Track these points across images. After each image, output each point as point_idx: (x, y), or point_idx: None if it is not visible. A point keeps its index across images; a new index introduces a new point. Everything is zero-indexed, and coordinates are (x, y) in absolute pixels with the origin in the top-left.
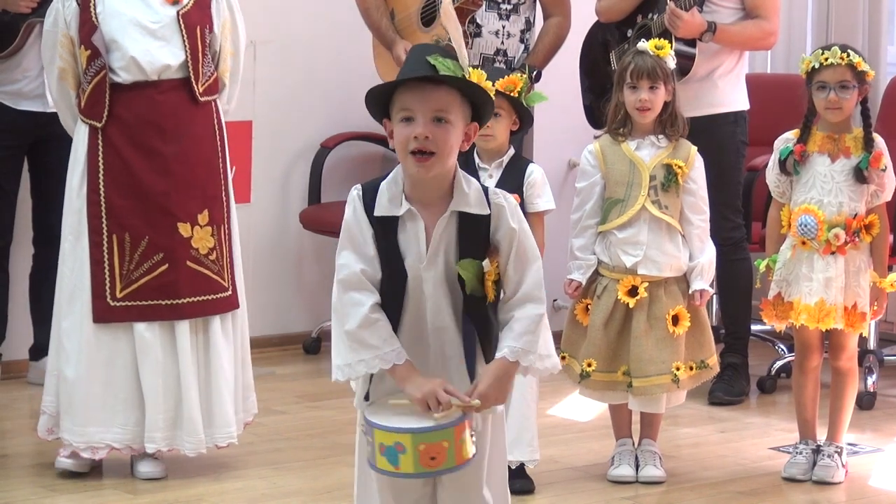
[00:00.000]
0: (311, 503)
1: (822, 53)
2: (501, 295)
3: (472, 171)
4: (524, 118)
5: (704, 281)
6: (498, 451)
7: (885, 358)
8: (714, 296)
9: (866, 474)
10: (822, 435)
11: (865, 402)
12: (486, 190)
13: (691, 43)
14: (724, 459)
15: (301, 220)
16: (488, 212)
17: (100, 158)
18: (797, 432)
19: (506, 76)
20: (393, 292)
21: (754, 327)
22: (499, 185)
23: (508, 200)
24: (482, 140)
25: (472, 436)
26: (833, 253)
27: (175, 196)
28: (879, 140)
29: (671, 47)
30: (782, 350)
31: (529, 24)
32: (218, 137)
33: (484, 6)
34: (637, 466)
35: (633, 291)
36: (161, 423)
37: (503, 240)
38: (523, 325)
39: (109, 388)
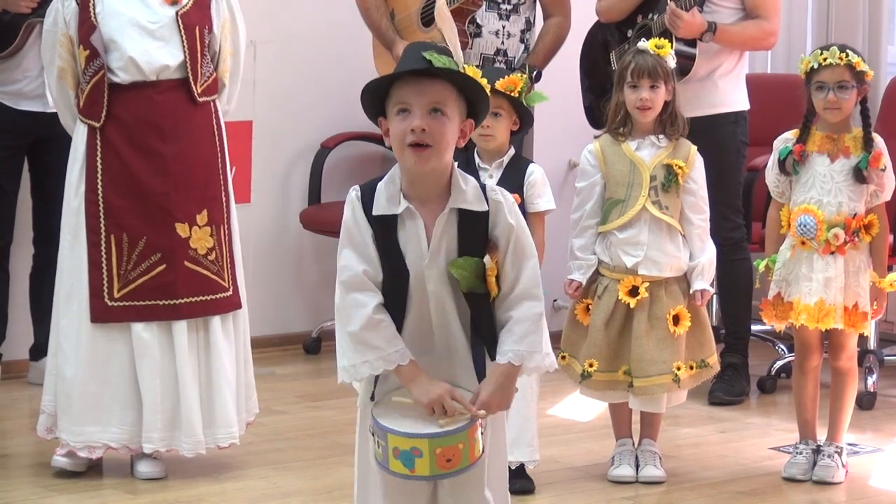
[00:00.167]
0: (312, 503)
1: (821, 54)
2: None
3: (473, 171)
4: (524, 118)
5: (705, 281)
6: (498, 451)
7: (886, 358)
8: (714, 296)
9: (866, 474)
10: (822, 435)
11: (866, 402)
12: (483, 187)
13: (691, 43)
14: (724, 459)
15: (301, 220)
16: (486, 208)
17: (98, 158)
18: (797, 432)
19: (506, 76)
20: (395, 292)
21: (754, 327)
22: (499, 185)
23: (506, 197)
24: (482, 140)
25: (482, 433)
26: (832, 253)
27: (173, 196)
28: (879, 140)
29: (671, 47)
30: (782, 350)
31: (529, 24)
32: (217, 138)
33: (484, 6)
34: (637, 466)
35: (633, 291)
36: (159, 424)
37: (501, 236)
38: (524, 327)
39: (107, 387)
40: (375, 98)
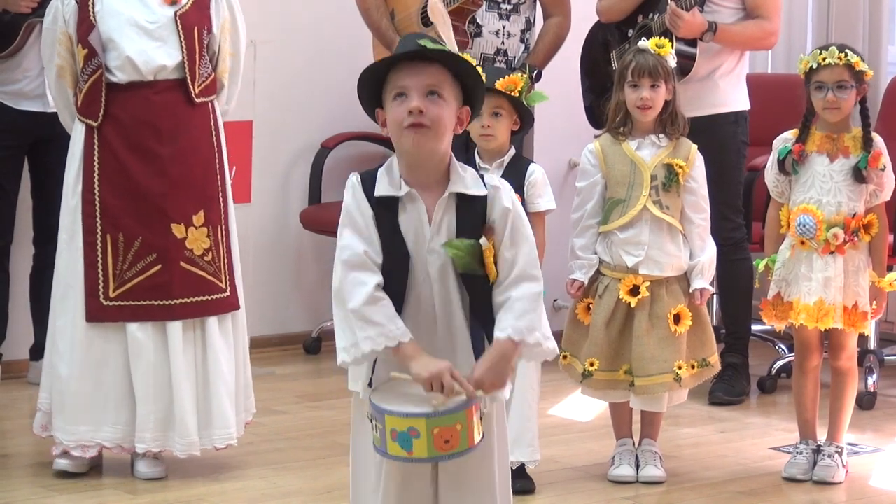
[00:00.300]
0: (312, 503)
1: (820, 53)
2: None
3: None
4: (525, 118)
5: (705, 280)
6: (500, 452)
7: (886, 358)
8: (714, 296)
9: (867, 474)
10: (822, 435)
11: (866, 402)
12: (481, 176)
13: (692, 43)
14: (724, 459)
15: (301, 219)
16: (485, 192)
17: (95, 158)
18: (797, 432)
19: (506, 76)
20: (396, 275)
21: (755, 327)
22: None
23: (504, 184)
24: (483, 140)
25: (480, 418)
26: (832, 252)
27: (170, 196)
28: (878, 139)
29: (672, 46)
30: (783, 350)
31: (530, 24)
32: (215, 138)
33: (484, 6)
34: (637, 466)
35: (634, 291)
36: (151, 424)
37: (498, 219)
38: (523, 305)
39: (101, 387)
40: (372, 88)
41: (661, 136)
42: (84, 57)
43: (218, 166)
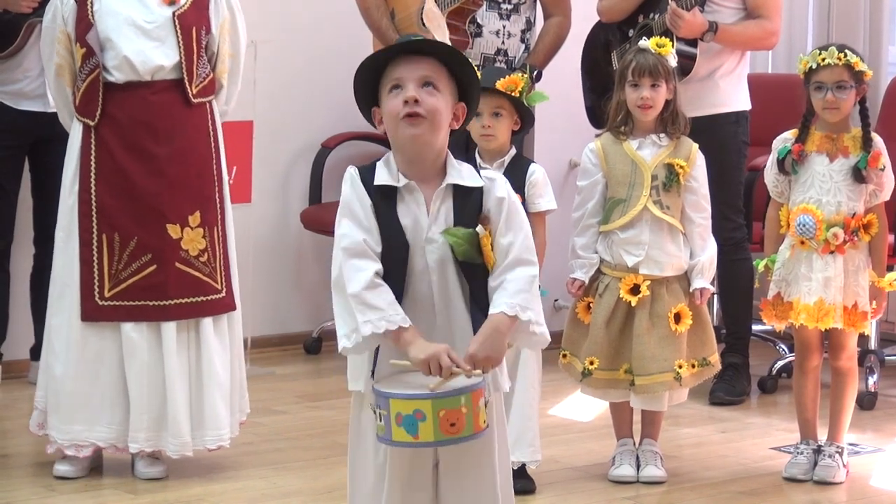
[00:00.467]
0: (312, 503)
1: (820, 54)
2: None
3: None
4: (525, 118)
5: (705, 279)
6: (501, 451)
7: (886, 358)
8: (715, 295)
9: (867, 474)
10: (822, 435)
11: (866, 402)
12: (478, 171)
13: (692, 43)
14: (725, 459)
15: (302, 219)
16: (481, 184)
17: (92, 157)
18: (798, 432)
19: (507, 76)
20: (395, 265)
21: (755, 327)
22: None
23: (499, 176)
24: (484, 140)
25: (485, 404)
26: (832, 252)
27: (165, 197)
28: (878, 140)
29: (672, 46)
30: (783, 350)
31: (530, 24)
32: (212, 139)
33: (484, 6)
34: (638, 466)
35: (635, 290)
36: (145, 424)
37: (493, 208)
38: (518, 284)
39: (95, 386)
40: (368, 86)
41: (662, 135)
42: (82, 56)
43: (215, 167)
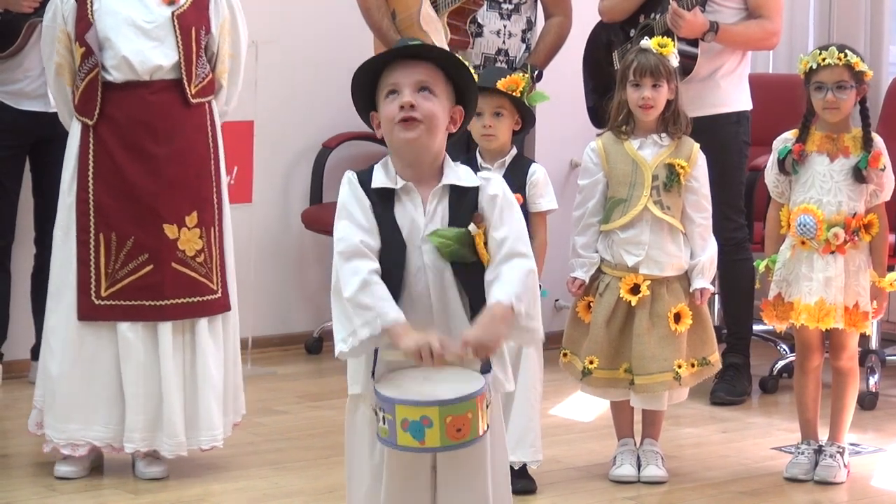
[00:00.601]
0: (313, 503)
1: (820, 54)
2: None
3: (475, 171)
4: (526, 118)
5: (705, 279)
6: (499, 451)
7: (888, 358)
8: (716, 296)
9: (868, 474)
10: (823, 435)
11: (867, 402)
12: (476, 172)
13: (693, 43)
14: (725, 459)
15: (303, 219)
16: (478, 183)
17: (90, 157)
18: (799, 432)
19: (507, 76)
20: (393, 265)
21: (756, 327)
22: None
23: (496, 175)
24: (484, 140)
25: (486, 407)
26: (832, 252)
27: (163, 197)
28: (878, 140)
29: (674, 46)
30: (784, 350)
31: (531, 24)
32: (211, 139)
33: (485, 6)
34: (639, 466)
35: (635, 289)
36: (140, 424)
37: (487, 205)
38: (512, 275)
39: (92, 385)
40: (366, 91)
41: (664, 135)
42: (81, 55)
43: (213, 167)
